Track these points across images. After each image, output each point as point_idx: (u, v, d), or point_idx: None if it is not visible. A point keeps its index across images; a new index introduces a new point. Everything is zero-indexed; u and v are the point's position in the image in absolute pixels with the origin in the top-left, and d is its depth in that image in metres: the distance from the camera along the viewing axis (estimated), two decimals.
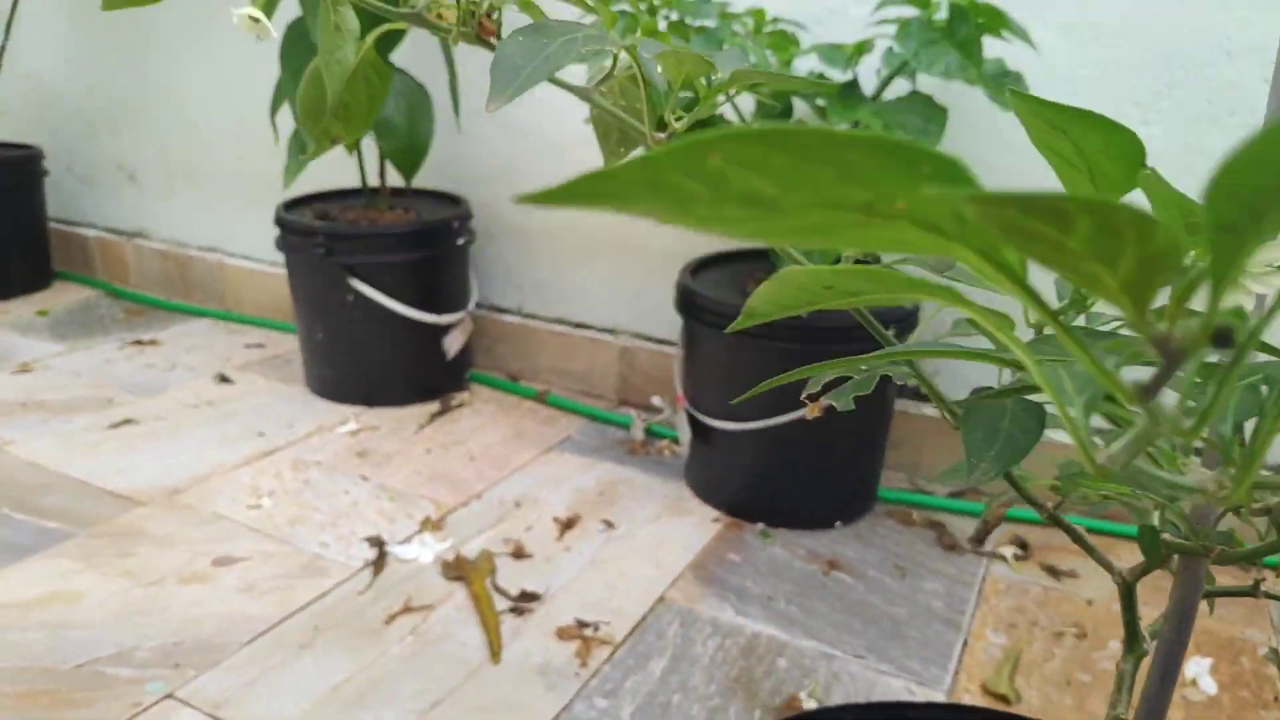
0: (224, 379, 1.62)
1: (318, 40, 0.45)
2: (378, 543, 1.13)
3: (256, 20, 0.42)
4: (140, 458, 1.33)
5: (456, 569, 1.08)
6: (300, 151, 1.39)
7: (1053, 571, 1.12)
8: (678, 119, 0.39)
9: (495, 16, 0.41)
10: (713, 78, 0.39)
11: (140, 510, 1.19)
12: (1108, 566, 0.44)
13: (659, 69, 0.38)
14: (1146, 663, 0.45)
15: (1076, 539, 0.46)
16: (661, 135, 0.39)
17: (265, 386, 1.59)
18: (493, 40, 0.41)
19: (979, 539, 0.51)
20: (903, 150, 0.14)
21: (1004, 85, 0.96)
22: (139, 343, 1.79)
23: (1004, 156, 1.24)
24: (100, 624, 0.97)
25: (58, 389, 1.56)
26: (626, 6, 1.15)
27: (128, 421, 1.44)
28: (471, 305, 1.59)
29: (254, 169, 1.89)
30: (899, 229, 0.16)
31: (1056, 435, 0.46)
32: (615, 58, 0.41)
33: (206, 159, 1.96)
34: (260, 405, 1.52)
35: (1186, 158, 1.15)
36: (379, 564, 1.10)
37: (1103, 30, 1.15)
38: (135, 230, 2.12)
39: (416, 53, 1.53)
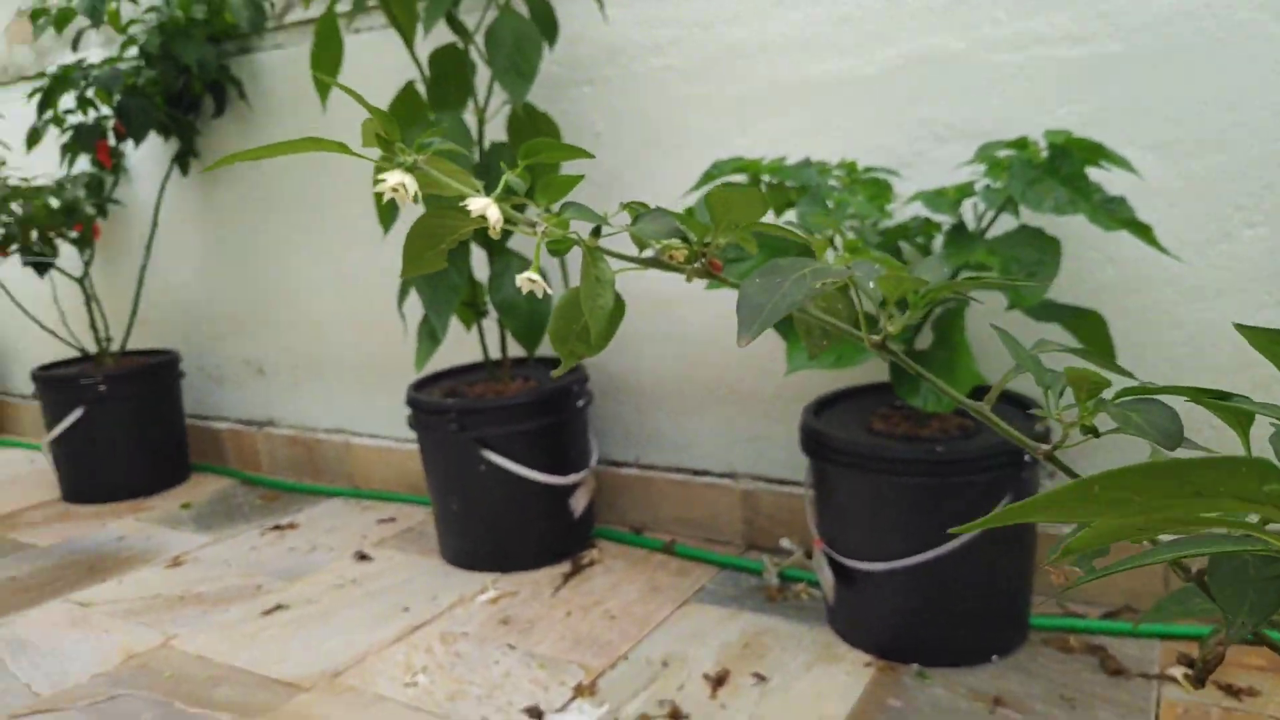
0: (363, 556, 1.68)
1: (582, 287, 0.52)
2: (537, 713, 1.14)
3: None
4: (297, 643, 1.38)
5: None
6: (430, 339, 1.48)
7: (1230, 690, 1.08)
8: (889, 319, 0.43)
9: (720, 253, 0.47)
10: (919, 290, 0.43)
11: (305, 696, 1.23)
12: None
13: (872, 285, 0.42)
14: None
15: None
16: (876, 337, 0.43)
17: (403, 561, 1.65)
18: (721, 275, 0.46)
19: (1199, 681, 0.50)
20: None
21: (1112, 212, 0.99)
22: (278, 527, 1.87)
23: (1107, 269, 1.26)
24: None
25: (210, 580, 1.63)
26: (736, 178, 1.22)
27: (280, 608, 1.50)
28: (593, 462, 1.64)
29: (372, 354, 2.00)
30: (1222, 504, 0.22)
31: None
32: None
33: (327, 349, 2.09)
34: (402, 581, 1.57)
35: None
36: None
37: (1192, 144, 1.18)
38: (265, 419, 2.25)
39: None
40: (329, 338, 2.07)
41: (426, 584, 1.54)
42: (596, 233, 0.51)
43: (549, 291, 0.48)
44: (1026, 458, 1.13)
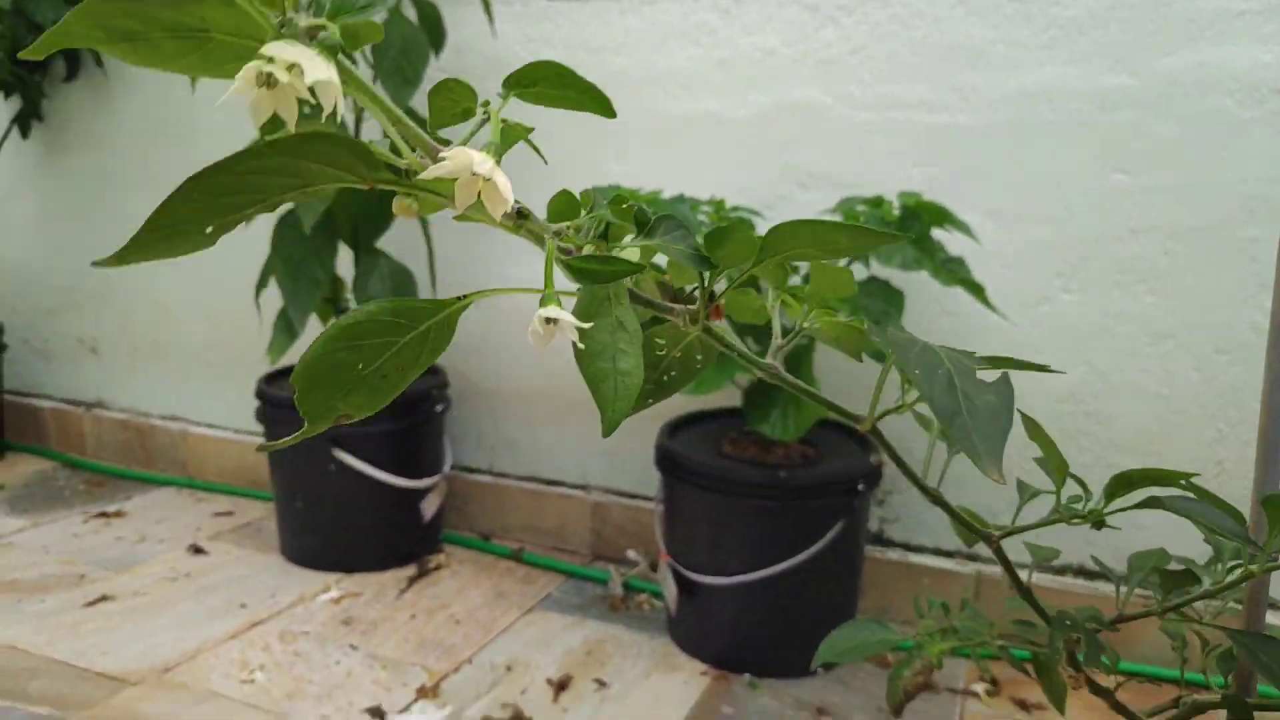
0: (198, 550, 1.62)
1: (585, 340, 0.38)
2: (379, 714, 1.15)
3: (551, 322, 0.35)
4: (124, 636, 1.32)
5: None
6: (286, 332, 1.46)
7: (1024, 705, 1.20)
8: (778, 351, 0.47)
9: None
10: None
11: (131, 690, 1.19)
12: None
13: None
14: None
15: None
16: (766, 366, 0.47)
17: (241, 556, 1.61)
18: (715, 330, 0.42)
19: (897, 710, 0.57)
20: None
21: (951, 269, 1.10)
22: (104, 515, 1.78)
23: (943, 320, 1.38)
24: None
25: (26, 567, 1.54)
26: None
27: (105, 598, 1.43)
28: (447, 468, 1.65)
29: (219, 342, 1.94)
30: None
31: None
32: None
33: (170, 333, 2.00)
34: (239, 576, 1.53)
35: (1104, 321, 1.30)
36: None
37: (1024, 214, 1.32)
38: (94, 400, 2.13)
39: (397, 235, 1.63)
40: (172, 321, 1.99)
41: (266, 581, 1.51)
42: (605, 237, 0.38)
43: (578, 342, 0.36)
44: (860, 486, 1.22)
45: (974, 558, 1.41)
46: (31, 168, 2.09)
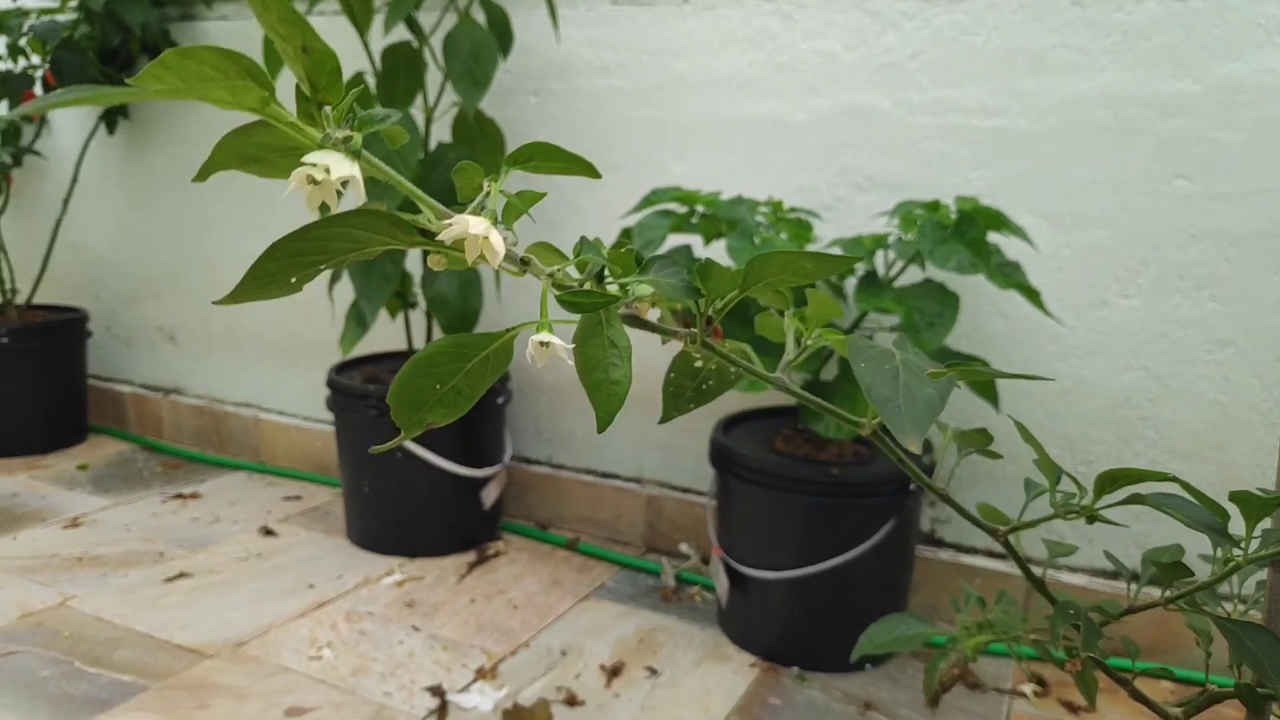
0: (268, 532, 1.70)
1: (580, 353, 0.43)
2: (439, 692, 1.20)
3: (545, 345, 0.40)
4: (201, 611, 1.39)
5: (516, 716, 1.15)
6: (358, 324, 1.52)
7: (1071, 708, 1.21)
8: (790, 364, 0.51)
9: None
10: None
11: (208, 663, 1.25)
12: (1162, 713, 0.54)
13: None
14: None
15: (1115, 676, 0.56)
16: (779, 374, 0.51)
17: (309, 539, 1.67)
18: (719, 348, 0.47)
19: (933, 701, 0.60)
20: None
21: (1007, 273, 1.11)
22: (180, 496, 1.87)
23: (998, 322, 1.39)
24: None
25: (110, 543, 1.63)
26: (673, 207, 1.30)
27: (183, 575, 1.51)
28: (507, 458, 1.70)
29: (290, 333, 2.02)
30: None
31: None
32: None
33: (244, 323, 2.09)
34: (307, 558, 1.59)
35: (1162, 327, 1.30)
36: (442, 712, 1.16)
37: (1082, 218, 1.32)
38: (172, 387, 2.23)
39: None
40: (246, 311, 2.07)
41: (332, 563, 1.58)
42: (600, 278, 0.44)
43: (569, 359, 0.41)
44: (912, 486, 1.24)
45: (1030, 560, 1.41)
46: (117, 162, 2.19)
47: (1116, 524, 0.53)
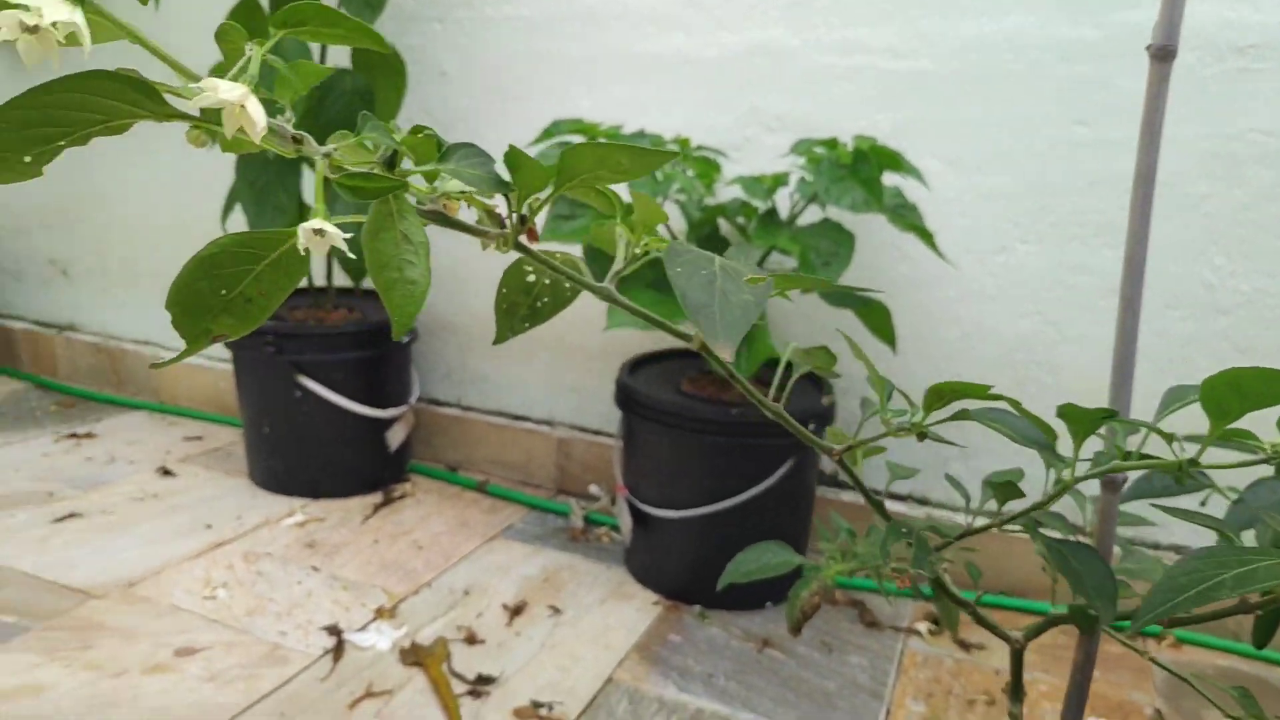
0: (166, 472, 1.65)
1: (369, 247, 0.39)
2: (335, 631, 1.19)
3: (321, 233, 0.37)
4: (90, 551, 1.35)
5: (414, 655, 1.15)
6: None
7: (963, 645, 1.24)
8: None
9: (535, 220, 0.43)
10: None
11: (97, 603, 1.22)
12: (1004, 637, 0.56)
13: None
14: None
15: (974, 615, 0.57)
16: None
17: (208, 479, 1.63)
18: (534, 249, 0.45)
19: (795, 628, 0.61)
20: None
21: (902, 214, 1.12)
22: (75, 436, 1.80)
23: (901, 265, 1.40)
24: (72, 715, 1.00)
25: None
26: (574, 139, 1.28)
27: (73, 515, 1.46)
28: (413, 399, 1.67)
29: None
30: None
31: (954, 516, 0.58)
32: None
33: (141, 257, 2.01)
34: (206, 498, 1.56)
35: (1059, 273, 1.32)
36: (338, 652, 1.15)
37: (985, 162, 1.33)
38: (66, 324, 2.14)
39: None
40: (143, 245, 1.99)
41: (232, 503, 1.54)
42: (392, 163, 0.40)
43: (346, 250, 0.37)
44: (810, 426, 1.25)
45: (925, 502, 1.45)
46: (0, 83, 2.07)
47: (947, 441, 0.53)
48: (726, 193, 1.38)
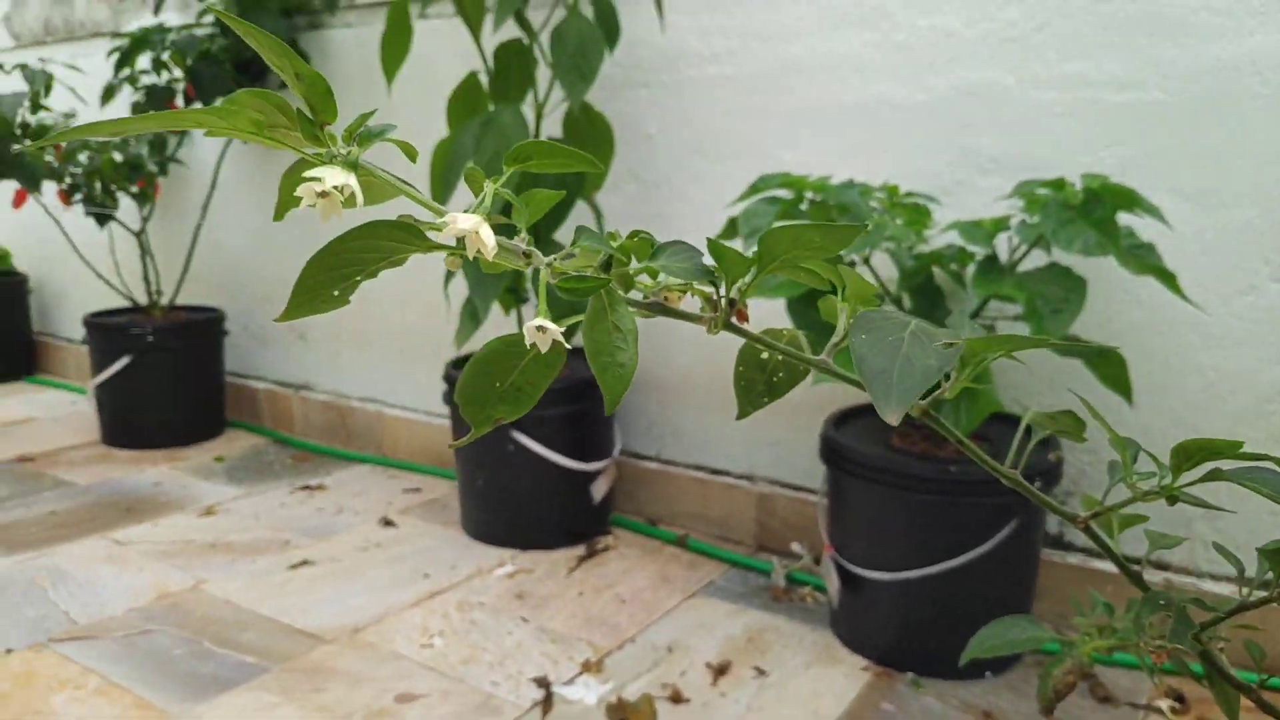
0: (388, 522, 1.74)
1: (589, 337, 0.43)
2: (544, 683, 1.20)
3: (543, 330, 0.41)
4: (321, 597, 1.44)
5: (620, 712, 1.14)
6: (471, 320, 1.54)
7: None
8: None
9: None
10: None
11: (326, 648, 1.29)
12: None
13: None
14: None
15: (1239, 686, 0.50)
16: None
17: (426, 530, 1.71)
18: (746, 329, 0.46)
19: (1048, 709, 0.55)
20: None
21: (1139, 256, 1.03)
22: (308, 488, 1.94)
23: (1135, 311, 1.29)
24: None
25: (240, 531, 1.70)
26: (781, 194, 1.27)
27: (306, 563, 1.56)
28: (616, 452, 1.69)
29: (411, 329, 2.07)
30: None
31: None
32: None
33: (368, 321, 2.15)
34: (423, 548, 1.63)
35: None
36: (547, 704, 1.16)
37: (1227, 195, 1.22)
38: (301, 383, 2.32)
39: (580, 219, 1.69)
40: (371, 310, 2.14)
41: (447, 553, 1.60)
42: (607, 267, 0.44)
43: (565, 344, 0.42)
44: (1035, 484, 1.16)
45: (1163, 566, 1.32)
46: (250, 168, 2.29)
47: (1209, 505, 0.47)
48: (939, 239, 1.33)
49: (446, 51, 1.85)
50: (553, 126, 1.68)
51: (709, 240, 0.43)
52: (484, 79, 1.60)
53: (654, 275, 0.45)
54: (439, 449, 2.03)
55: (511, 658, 1.27)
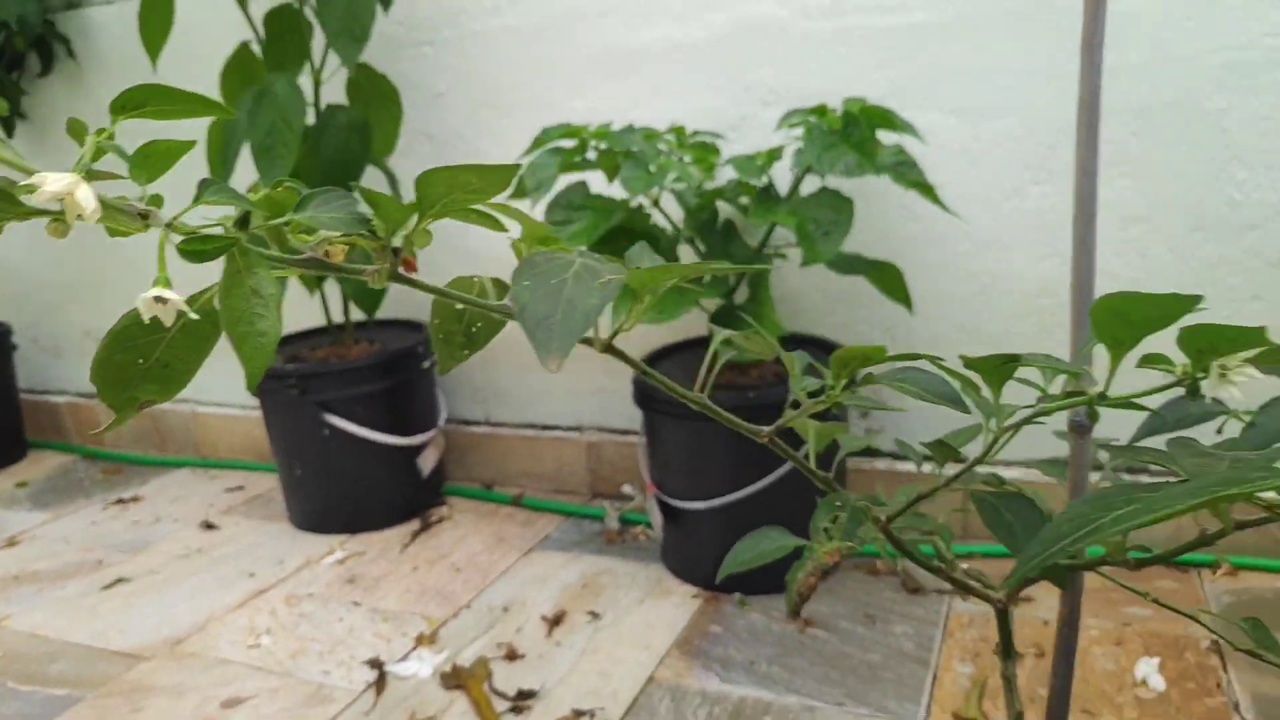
0: (209, 525, 1.67)
1: (224, 304, 0.39)
2: (377, 664, 1.18)
3: (163, 301, 0.38)
4: (139, 614, 1.37)
5: (455, 678, 1.13)
6: None
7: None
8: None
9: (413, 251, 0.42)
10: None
11: (145, 665, 1.23)
12: (984, 597, 0.53)
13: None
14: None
15: (947, 578, 0.54)
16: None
17: (250, 527, 1.64)
18: (415, 278, 0.43)
19: (794, 612, 0.58)
20: None
21: (901, 172, 1.08)
22: (121, 501, 1.83)
23: (912, 225, 1.36)
24: None
25: (48, 557, 1.59)
26: (565, 144, 1.26)
27: (121, 580, 1.48)
28: (441, 422, 1.67)
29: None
30: None
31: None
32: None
33: None
34: (248, 546, 1.57)
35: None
36: (380, 684, 1.14)
37: (988, 108, 1.28)
38: None
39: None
40: None
41: (273, 549, 1.55)
42: (244, 223, 0.40)
43: (190, 314, 0.39)
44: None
45: (960, 461, 1.40)
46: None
47: (876, 406, 0.51)
48: (724, 177, 1.35)
49: (216, 23, 1.74)
50: (336, 93, 1.62)
51: (361, 189, 0.41)
52: (257, 49, 1.52)
53: (310, 230, 0.42)
54: (261, 443, 1.95)
55: (343, 644, 1.24)
